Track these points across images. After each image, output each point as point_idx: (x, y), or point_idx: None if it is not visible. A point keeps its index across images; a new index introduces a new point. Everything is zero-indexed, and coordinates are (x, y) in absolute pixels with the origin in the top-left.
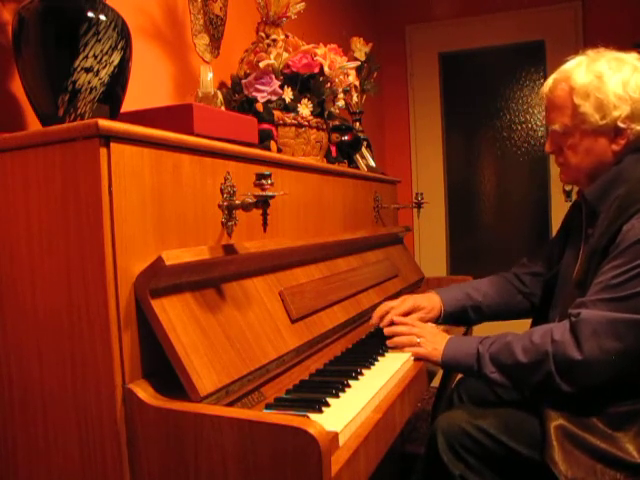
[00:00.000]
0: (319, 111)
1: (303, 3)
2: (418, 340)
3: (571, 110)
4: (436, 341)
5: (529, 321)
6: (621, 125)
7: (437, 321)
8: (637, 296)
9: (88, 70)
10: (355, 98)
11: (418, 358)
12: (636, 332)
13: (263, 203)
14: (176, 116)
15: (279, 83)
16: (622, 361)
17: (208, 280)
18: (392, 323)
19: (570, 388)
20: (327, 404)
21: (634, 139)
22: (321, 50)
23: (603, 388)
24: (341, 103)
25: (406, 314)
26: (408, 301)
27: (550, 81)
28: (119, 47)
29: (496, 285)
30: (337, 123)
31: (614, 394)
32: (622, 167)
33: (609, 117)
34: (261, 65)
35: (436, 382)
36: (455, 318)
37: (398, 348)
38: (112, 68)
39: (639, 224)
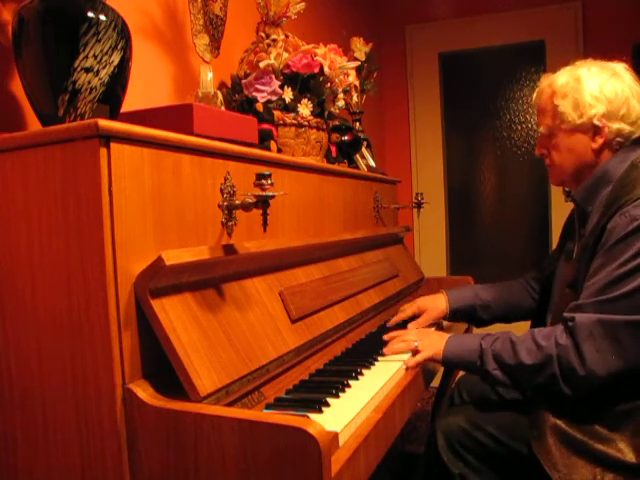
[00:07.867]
0: (319, 111)
1: (303, 3)
2: (415, 344)
3: (552, 111)
4: (433, 340)
5: (528, 323)
6: (598, 123)
7: (444, 319)
8: (627, 296)
9: (88, 70)
10: (355, 98)
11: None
12: (630, 332)
13: (263, 203)
14: (176, 116)
15: (279, 83)
16: (620, 363)
17: (208, 280)
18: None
19: (571, 392)
20: (327, 404)
21: (612, 137)
22: (321, 50)
23: (600, 390)
24: (341, 103)
25: (412, 318)
26: (413, 305)
27: (538, 88)
28: (119, 47)
29: (508, 287)
30: (337, 123)
31: (610, 395)
32: (607, 168)
33: (586, 116)
34: (261, 65)
35: (436, 382)
36: (463, 316)
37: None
38: (112, 68)
39: (621, 220)
